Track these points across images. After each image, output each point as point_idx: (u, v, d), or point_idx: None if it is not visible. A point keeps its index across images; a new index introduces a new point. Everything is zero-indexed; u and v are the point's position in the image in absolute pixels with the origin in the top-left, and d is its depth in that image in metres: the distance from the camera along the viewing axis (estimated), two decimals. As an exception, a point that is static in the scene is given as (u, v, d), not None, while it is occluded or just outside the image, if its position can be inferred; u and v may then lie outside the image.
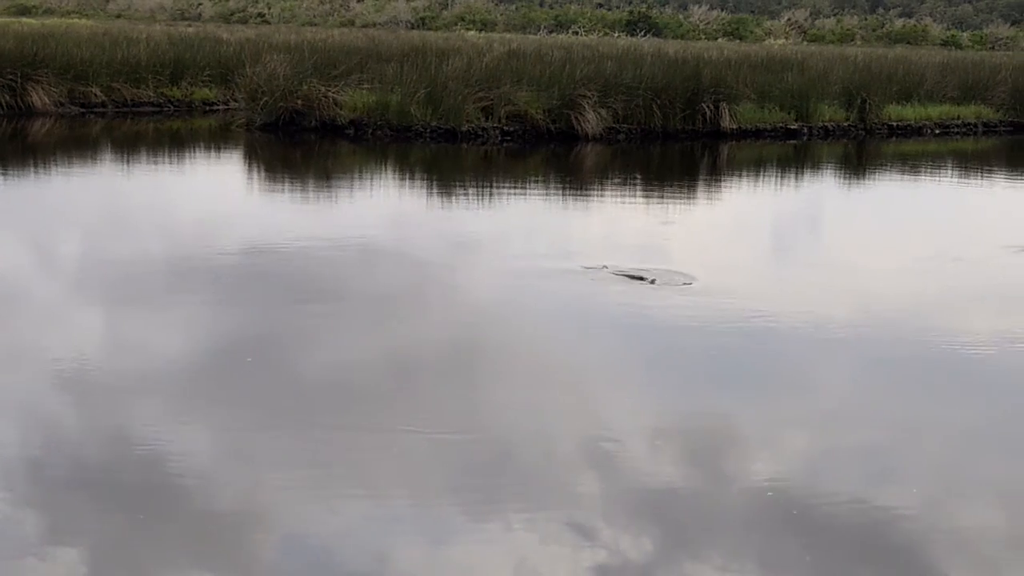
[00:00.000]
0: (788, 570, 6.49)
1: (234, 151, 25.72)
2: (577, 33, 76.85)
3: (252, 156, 25.01)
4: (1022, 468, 8.19)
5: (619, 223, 18.01)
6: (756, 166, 25.90)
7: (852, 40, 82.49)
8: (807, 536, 6.93)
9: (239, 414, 8.75)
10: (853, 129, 30.58)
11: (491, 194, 20.48)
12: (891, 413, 9.20)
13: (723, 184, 23.19)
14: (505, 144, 26.49)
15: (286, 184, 21.58)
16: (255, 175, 22.74)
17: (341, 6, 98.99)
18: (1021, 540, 7.01)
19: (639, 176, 24.04)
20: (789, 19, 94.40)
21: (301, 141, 26.42)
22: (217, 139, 27.65)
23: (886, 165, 27.10)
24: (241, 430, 8.43)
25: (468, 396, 9.34)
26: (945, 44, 79.05)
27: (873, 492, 7.54)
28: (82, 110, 29.62)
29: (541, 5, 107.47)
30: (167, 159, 24.15)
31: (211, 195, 19.90)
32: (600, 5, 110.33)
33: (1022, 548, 6.90)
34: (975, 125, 32.76)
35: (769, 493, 7.46)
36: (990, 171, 26.78)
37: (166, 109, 31.19)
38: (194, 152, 25.78)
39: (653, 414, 8.96)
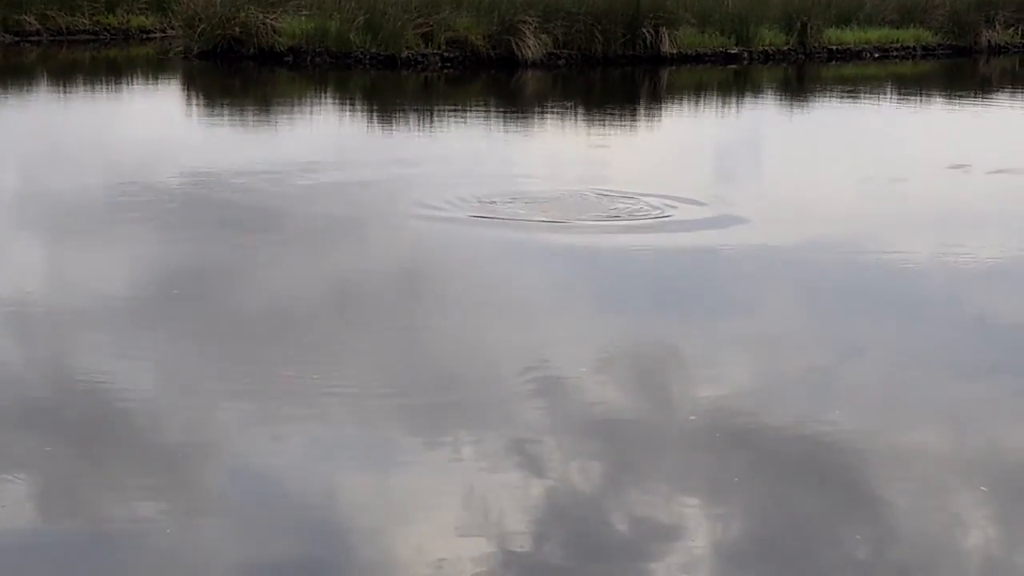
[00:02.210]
0: (732, 492, 6.54)
1: (172, 79, 25.47)
2: (516, -42, 76.32)
3: (190, 84, 24.78)
4: (962, 389, 8.27)
5: (561, 148, 17.97)
6: (697, 91, 25.90)
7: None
8: (751, 458, 6.97)
9: (182, 345, 8.71)
10: (793, 53, 30.56)
11: (433, 121, 20.40)
12: (834, 335, 9.26)
13: (665, 109, 23.21)
14: (445, 71, 26.35)
15: (225, 112, 21.42)
16: (194, 103, 22.57)
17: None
18: (961, 461, 7.09)
19: (581, 101, 23.99)
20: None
21: (239, 69, 26.17)
22: (155, 67, 27.36)
23: (826, 89, 27.16)
24: (185, 361, 8.39)
25: (412, 324, 9.33)
26: (883, -33, 79.06)
27: (815, 414, 7.60)
28: (16, 39, 29.20)
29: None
30: (104, 88, 23.90)
31: (150, 124, 19.71)
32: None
33: (962, 469, 6.97)
34: (914, 48, 32.78)
35: (713, 416, 7.50)
36: (929, 94, 26.89)
37: (102, 37, 30.78)
38: (132, 81, 25.52)
39: (597, 339, 8.98)
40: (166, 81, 25.49)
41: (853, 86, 27.40)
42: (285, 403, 7.62)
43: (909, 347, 9.06)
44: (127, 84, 24.86)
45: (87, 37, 30.48)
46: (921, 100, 25.76)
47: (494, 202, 13.20)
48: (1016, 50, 33.87)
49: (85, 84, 24.19)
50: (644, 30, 28.14)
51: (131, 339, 8.77)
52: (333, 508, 6.29)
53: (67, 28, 30.23)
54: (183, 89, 24.37)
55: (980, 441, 7.38)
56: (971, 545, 6.08)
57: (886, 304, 10.14)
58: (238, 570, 5.69)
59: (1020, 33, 34.16)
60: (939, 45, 33.07)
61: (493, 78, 25.97)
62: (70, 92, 22.95)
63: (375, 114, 21.16)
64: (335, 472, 6.67)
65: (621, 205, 13.21)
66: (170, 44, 28.67)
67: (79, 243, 11.47)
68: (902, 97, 26.02)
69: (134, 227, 12.08)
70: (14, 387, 7.83)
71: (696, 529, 6.11)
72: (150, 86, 24.97)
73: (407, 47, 26.54)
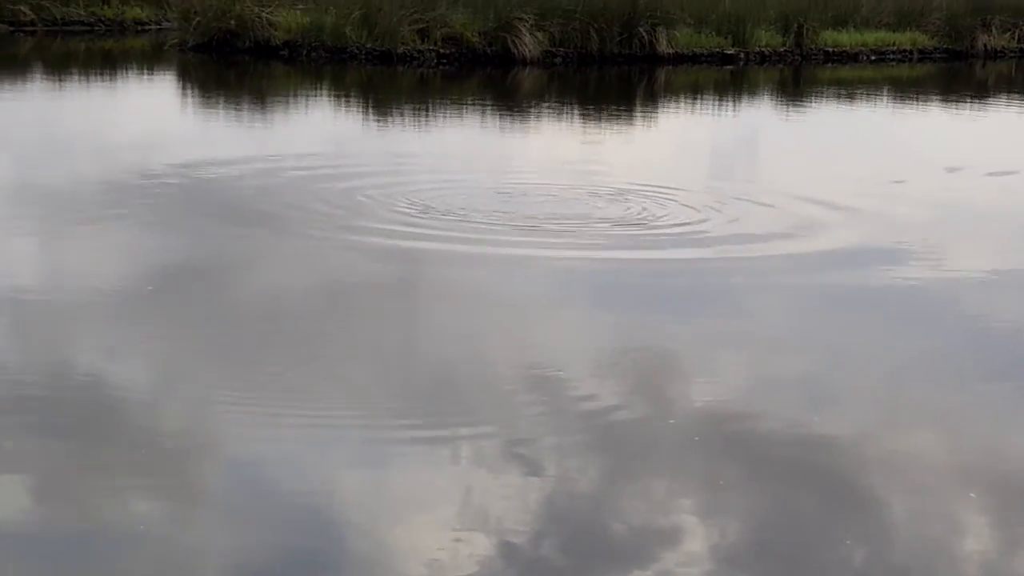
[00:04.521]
0: (726, 493, 6.48)
1: (167, 72, 25.40)
2: (512, -45, 76.22)
3: (185, 77, 24.72)
4: (958, 397, 8.21)
5: (554, 145, 17.92)
6: (693, 91, 25.86)
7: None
8: (745, 461, 6.92)
9: (178, 339, 8.64)
10: (789, 55, 30.55)
11: (428, 116, 20.33)
12: (829, 341, 9.19)
13: (660, 109, 23.15)
14: (441, 67, 26.30)
15: (220, 105, 21.33)
16: (189, 96, 22.48)
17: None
18: (954, 467, 7.05)
19: (576, 100, 23.94)
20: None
21: (235, 62, 26.12)
22: (150, 60, 27.30)
23: (823, 91, 27.13)
24: (181, 355, 8.32)
25: (409, 322, 9.27)
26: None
27: (810, 419, 7.54)
28: (10, 28, 29.14)
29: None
30: (99, 79, 23.82)
31: (145, 116, 19.64)
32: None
33: (955, 475, 6.93)
34: (910, 52, 32.79)
35: (708, 419, 7.45)
36: (926, 97, 26.87)
37: (97, 28, 30.73)
38: (126, 72, 25.44)
39: (593, 341, 8.92)
40: (161, 74, 25.41)
41: (849, 88, 27.37)
42: (279, 400, 7.55)
43: (906, 352, 9.01)
44: (122, 76, 24.77)
45: (82, 28, 30.43)
46: (918, 103, 25.73)
47: (490, 197, 13.17)
48: (1012, 54, 33.89)
49: (79, 75, 24.10)
50: (640, 29, 28.11)
51: (118, 333, 8.71)
52: (329, 505, 6.22)
53: (62, 18, 30.20)
54: (179, 82, 24.28)
55: (975, 446, 7.33)
56: (966, 549, 6.03)
57: (882, 307, 10.09)
58: (233, 566, 5.62)
59: (1016, 37, 34.19)
60: (935, 49, 33.07)
61: (489, 75, 25.92)
62: (64, 83, 22.86)
63: (372, 109, 21.07)
64: (331, 470, 6.60)
65: (618, 206, 13.18)
66: (165, 36, 28.62)
67: (77, 235, 11.40)
68: (899, 100, 26.00)
69: (132, 220, 12.01)
70: (6, 378, 7.76)
71: (693, 530, 6.07)
72: (145, 78, 24.88)
73: (403, 43, 26.50)
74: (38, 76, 23.79)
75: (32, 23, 29.59)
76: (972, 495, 6.59)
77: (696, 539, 5.98)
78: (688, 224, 12.44)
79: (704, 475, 6.69)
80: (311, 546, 5.85)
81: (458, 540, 5.84)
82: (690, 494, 6.46)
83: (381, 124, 19.57)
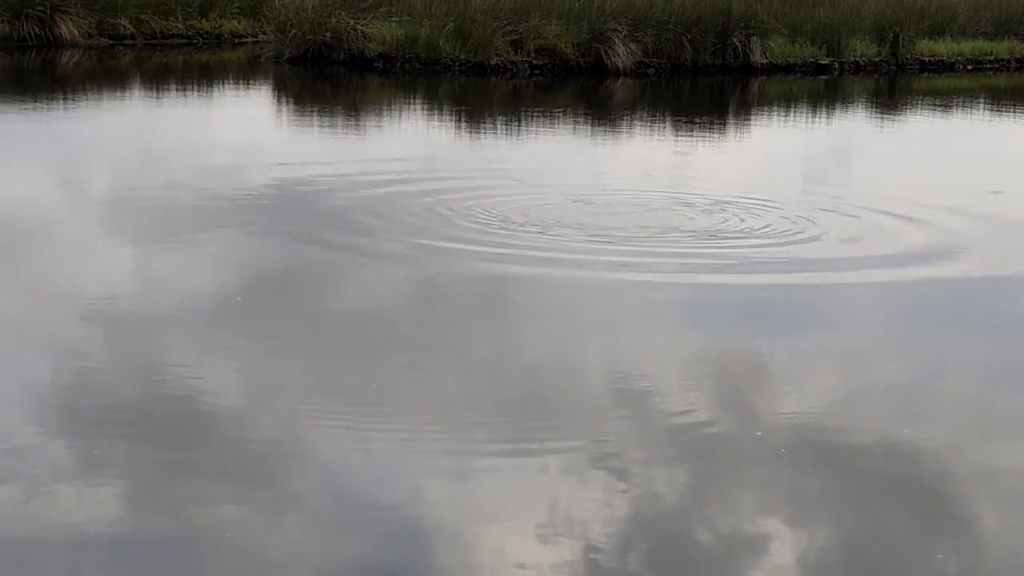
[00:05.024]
0: (815, 505, 6.47)
1: (263, 84, 25.67)
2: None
3: (281, 89, 24.97)
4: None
5: (648, 156, 17.91)
6: (788, 101, 25.72)
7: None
8: (834, 472, 6.91)
9: (270, 349, 8.74)
10: (884, 64, 30.28)
11: (521, 127, 20.39)
12: (920, 352, 9.15)
13: (755, 119, 23.05)
14: (534, 78, 26.36)
15: (315, 117, 21.53)
16: (284, 108, 22.71)
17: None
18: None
19: (669, 110, 23.91)
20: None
21: (330, 74, 26.35)
22: (246, 72, 27.61)
23: (918, 101, 26.88)
24: (272, 365, 8.42)
25: (498, 333, 9.32)
26: (978, -22, 78.01)
27: (900, 429, 7.51)
28: (111, 42, 29.55)
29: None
30: (196, 92, 24.12)
31: (240, 128, 19.86)
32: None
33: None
34: (1008, 61, 32.37)
35: (797, 430, 7.43)
36: (1023, 106, 26.52)
37: (195, 42, 31.09)
38: (223, 85, 25.75)
39: (681, 352, 8.93)
40: (257, 86, 25.69)
41: (945, 98, 27.10)
42: (368, 412, 7.63)
43: (998, 364, 8.93)
44: (219, 88, 25.08)
45: (180, 41, 30.79)
46: (1015, 112, 25.42)
47: (580, 209, 13.20)
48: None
49: (178, 88, 24.41)
50: (734, 39, 28.01)
51: (227, 342, 8.82)
52: (417, 515, 6.28)
53: (161, 32, 30.57)
54: (275, 94, 24.54)
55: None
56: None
57: (978, 320, 10.01)
58: (321, 572, 5.69)
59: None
60: (1033, 58, 32.62)
61: (582, 86, 25.95)
62: (163, 96, 23.17)
63: (466, 120, 21.16)
64: (420, 478, 6.66)
65: (711, 218, 13.17)
66: (262, 49, 28.92)
67: (172, 246, 11.55)
68: (996, 110, 25.70)
69: (228, 231, 12.15)
70: (101, 387, 7.90)
71: (780, 543, 6.06)
72: (242, 90, 25.17)
73: (496, 54, 26.58)
74: (136, 89, 24.14)
75: (132, 36, 29.99)
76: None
77: (782, 553, 5.97)
78: (785, 241, 12.40)
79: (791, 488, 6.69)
80: (399, 557, 5.91)
81: (545, 550, 5.88)
82: (777, 507, 6.46)
83: (474, 135, 19.66)
